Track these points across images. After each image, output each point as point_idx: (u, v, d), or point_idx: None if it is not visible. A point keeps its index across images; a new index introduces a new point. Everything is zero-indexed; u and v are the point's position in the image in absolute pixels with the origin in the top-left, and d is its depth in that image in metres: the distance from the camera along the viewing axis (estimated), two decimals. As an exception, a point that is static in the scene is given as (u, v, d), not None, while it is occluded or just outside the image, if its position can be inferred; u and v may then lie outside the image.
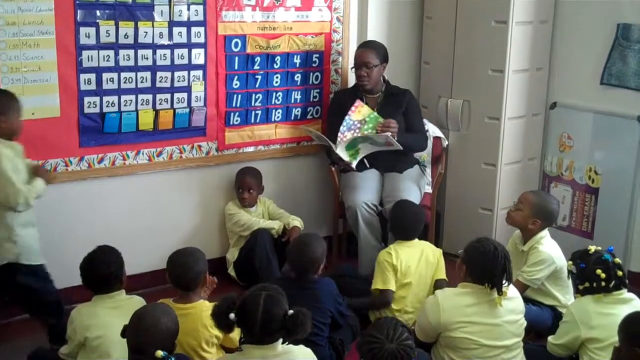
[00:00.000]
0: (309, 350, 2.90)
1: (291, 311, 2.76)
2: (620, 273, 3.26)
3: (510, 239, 4.07)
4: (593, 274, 3.25)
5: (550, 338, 3.41)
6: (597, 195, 4.65)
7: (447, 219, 5.03)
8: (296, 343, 2.83)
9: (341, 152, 4.38)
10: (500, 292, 3.13)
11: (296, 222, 4.46)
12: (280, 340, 2.74)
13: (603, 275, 3.23)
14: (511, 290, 3.24)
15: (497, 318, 3.15)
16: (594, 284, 3.27)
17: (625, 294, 3.28)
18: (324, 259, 3.62)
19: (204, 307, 3.28)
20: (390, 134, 4.32)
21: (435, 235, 4.80)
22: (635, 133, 4.44)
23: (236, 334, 3.24)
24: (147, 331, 2.60)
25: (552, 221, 3.96)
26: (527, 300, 3.85)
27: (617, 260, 3.31)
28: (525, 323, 3.29)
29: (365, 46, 4.53)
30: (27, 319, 3.96)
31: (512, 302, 3.23)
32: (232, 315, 2.73)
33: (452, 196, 4.98)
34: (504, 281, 3.15)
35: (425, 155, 4.80)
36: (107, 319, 3.12)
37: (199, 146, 4.39)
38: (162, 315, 2.66)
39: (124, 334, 2.65)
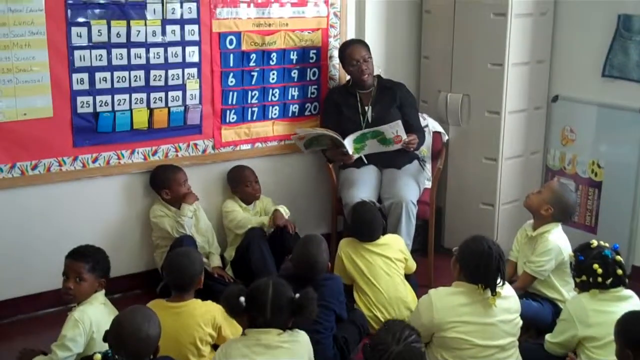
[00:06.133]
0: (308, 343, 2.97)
1: (297, 295, 2.88)
2: (620, 272, 3.21)
3: (521, 228, 4.03)
4: (590, 268, 3.21)
5: (547, 336, 3.36)
6: (600, 189, 4.58)
7: (448, 214, 4.98)
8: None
9: (348, 144, 4.34)
10: (494, 293, 3.08)
11: (279, 208, 4.38)
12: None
13: (600, 271, 3.18)
14: (506, 289, 3.18)
15: (491, 317, 3.10)
16: (590, 279, 3.22)
17: (623, 291, 3.22)
18: (328, 262, 3.64)
19: (196, 306, 3.27)
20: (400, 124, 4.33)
21: (437, 231, 4.75)
22: (638, 126, 4.36)
23: (230, 333, 3.25)
24: (129, 339, 2.58)
25: (565, 215, 3.89)
26: (528, 294, 3.82)
27: (619, 258, 3.25)
28: (520, 322, 3.23)
29: (356, 43, 4.55)
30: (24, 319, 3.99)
31: (507, 301, 3.17)
32: (242, 299, 2.81)
33: (453, 191, 4.92)
34: (498, 281, 3.09)
35: (425, 150, 4.75)
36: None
37: (195, 144, 4.36)
38: (142, 322, 2.63)
39: (105, 339, 2.62)
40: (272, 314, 2.81)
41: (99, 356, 2.35)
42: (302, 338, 2.92)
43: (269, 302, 2.81)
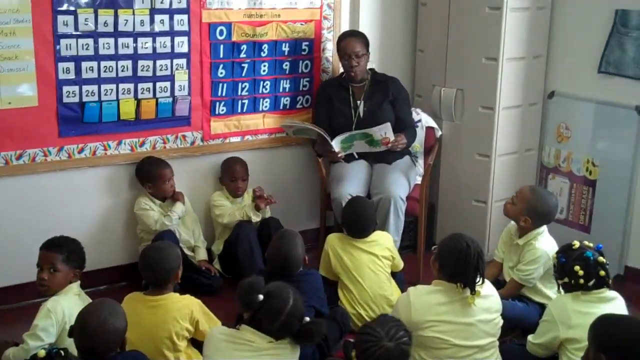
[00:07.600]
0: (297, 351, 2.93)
1: (307, 318, 2.85)
2: (602, 273, 3.14)
3: (506, 228, 3.95)
4: (571, 270, 3.15)
5: (529, 337, 3.29)
6: (595, 188, 4.51)
7: (441, 211, 4.91)
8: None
9: (336, 143, 4.29)
10: (473, 292, 3.02)
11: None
12: None
13: (581, 273, 3.12)
14: (486, 288, 3.12)
15: (470, 317, 3.04)
16: (572, 281, 3.16)
17: (606, 292, 3.16)
18: (304, 255, 3.59)
19: (174, 300, 3.23)
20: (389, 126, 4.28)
21: (429, 228, 4.69)
22: (633, 124, 4.29)
23: (208, 327, 3.22)
24: (94, 332, 2.54)
25: (545, 222, 3.79)
26: (515, 296, 3.76)
27: (601, 259, 3.18)
28: (501, 322, 3.16)
29: (352, 35, 4.45)
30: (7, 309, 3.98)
31: (487, 300, 3.11)
32: (260, 297, 2.79)
33: (446, 188, 4.86)
34: (477, 280, 3.03)
35: (417, 145, 4.69)
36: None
37: (184, 136, 4.32)
38: (108, 316, 2.59)
39: (70, 334, 2.59)
40: (280, 326, 2.79)
41: (43, 352, 2.32)
42: (289, 346, 2.88)
43: (285, 313, 2.78)
